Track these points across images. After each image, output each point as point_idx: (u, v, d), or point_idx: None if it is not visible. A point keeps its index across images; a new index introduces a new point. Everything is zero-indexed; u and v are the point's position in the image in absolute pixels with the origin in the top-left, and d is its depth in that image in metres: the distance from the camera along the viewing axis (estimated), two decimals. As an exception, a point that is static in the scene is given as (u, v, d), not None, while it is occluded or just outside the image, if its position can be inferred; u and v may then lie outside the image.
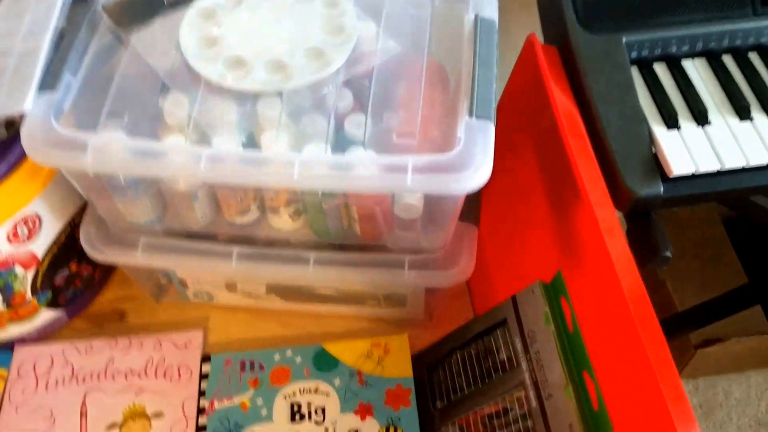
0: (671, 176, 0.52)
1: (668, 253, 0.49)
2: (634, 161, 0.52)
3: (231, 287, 0.69)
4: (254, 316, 0.72)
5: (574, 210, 0.53)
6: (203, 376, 0.66)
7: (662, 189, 0.52)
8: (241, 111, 0.53)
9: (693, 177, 0.53)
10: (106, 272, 0.74)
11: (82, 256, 0.66)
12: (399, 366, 0.67)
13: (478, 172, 0.47)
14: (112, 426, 0.63)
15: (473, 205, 0.61)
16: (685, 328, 1.02)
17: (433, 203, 0.55)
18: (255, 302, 0.71)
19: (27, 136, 0.50)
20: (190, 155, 0.49)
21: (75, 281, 0.68)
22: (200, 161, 0.49)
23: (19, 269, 0.61)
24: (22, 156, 0.56)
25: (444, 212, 0.56)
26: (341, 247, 0.62)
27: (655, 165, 0.53)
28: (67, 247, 0.64)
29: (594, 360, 0.50)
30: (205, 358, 0.68)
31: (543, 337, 0.54)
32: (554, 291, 0.55)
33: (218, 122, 0.53)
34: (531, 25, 0.66)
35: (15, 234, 0.58)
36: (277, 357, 0.68)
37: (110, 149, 0.49)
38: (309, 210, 0.59)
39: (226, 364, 0.67)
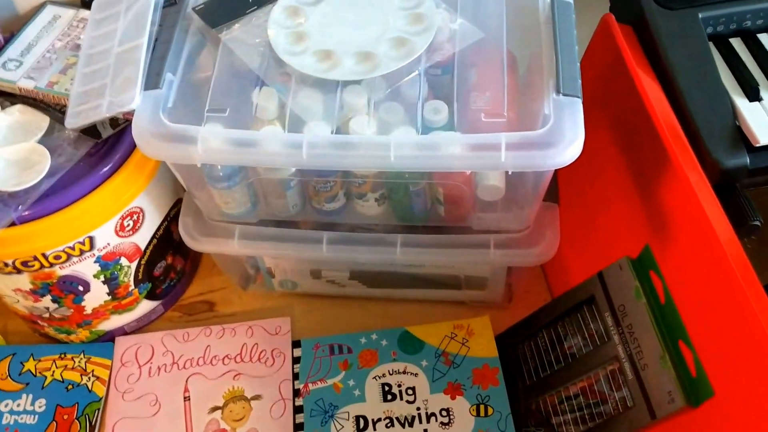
0: (756, 146, 0.53)
1: (758, 222, 0.50)
2: (719, 134, 0.53)
3: (316, 274, 0.72)
4: (335, 303, 0.75)
5: (665, 185, 0.54)
6: (295, 361, 0.69)
7: (748, 160, 0.52)
8: (331, 100, 0.55)
9: (779, 147, 0.53)
10: (195, 265, 0.77)
11: (177, 249, 0.70)
12: (484, 346, 0.69)
13: (570, 147, 0.49)
14: (214, 409, 0.66)
15: (553, 184, 0.62)
16: None
17: (517, 183, 0.56)
18: (338, 289, 0.74)
19: (138, 131, 0.53)
20: (290, 143, 0.52)
21: (170, 273, 0.72)
22: (301, 147, 0.51)
23: (124, 261, 0.64)
24: (128, 153, 0.59)
25: (529, 191, 0.58)
26: (424, 230, 0.64)
27: (740, 137, 0.54)
28: (165, 240, 0.68)
29: (690, 329, 0.51)
30: (295, 344, 0.70)
31: (635, 311, 0.56)
32: (643, 265, 0.56)
33: (311, 112, 0.55)
34: (599, 6, 0.67)
35: (122, 227, 0.62)
36: (363, 340, 0.70)
37: (216, 141, 0.52)
38: (394, 194, 0.61)
39: (316, 348, 0.70)
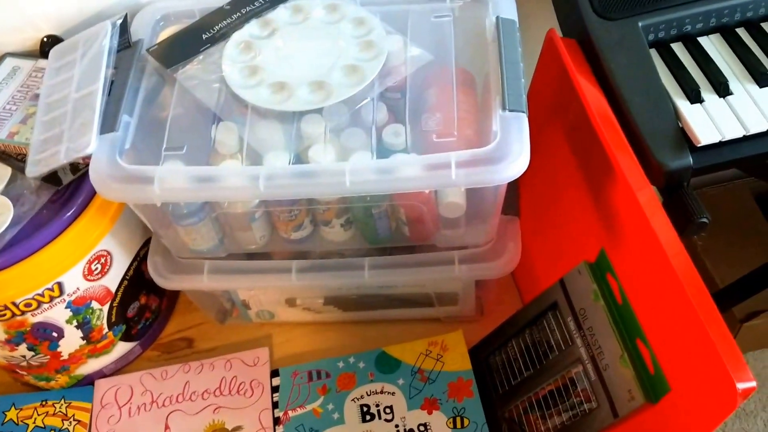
0: (699, 146, 0.55)
1: (704, 219, 0.52)
2: (662, 137, 0.55)
3: (291, 303, 0.73)
4: (314, 330, 0.75)
5: (612, 191, 0.56)
6: (274, 390, 0.70)
7: (692, 160, 0.54)
8: (288, 130, 0.57)
9: (720, 145, 0.55)
10: (171, 303, 0.78)
11: (149, 288, 0.71)
12: (458, 360, 0.70)
13: (517, 160, 0.50)
14: (195, 442, 0.67)
15: (513, 197, 0.64)
16: (728, 303, 1.03)
17: (476, 199, 0.58)
18: (314, 316, 0.75)
19: (95, 175, 0.54)
20: (248, 175, 0.53)
21: (145, 313, 0.72)
22: (258, 179, 0.52)
23: (95, 304, 0.65)
24: (90, 197, 0.60)
25: (487, 206, 0.59)
26: (392, 251, 0.65)
27: (683, 138, 0.56)
28: (136, 280, 0.69)
29: (645, 328, 0.52)
30: (274, 373, 0.71)
31: (594, 313, 0.57)
32: (600, 269, 0.58)
33: (268, 143, 0.57)
34: (548, 20, 0.69)
35: (90, 271, 0.62)
36: (341, 364, 0.71)
37: (174, 179, 0.53)
38: (359, 218, 0.62)
39: (294, 376, 0.70)
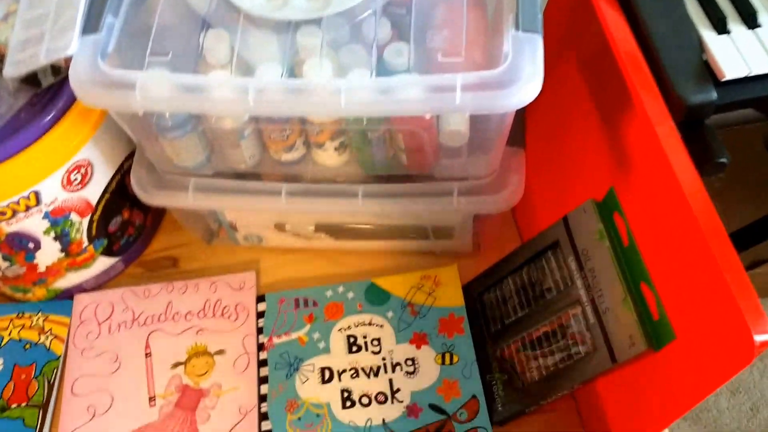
0: (723, 80, 0.51)
1: (724, 159, 0.48)
2: (684, 69, 0.51)
3: (280, 228, 0.70)
4: (304, 257, 0.73)
5: (628, 124, 0.52)
6: (259, 315, 0.68)
7: (715, 95, 0.50)
8: (282, 41, 0.53)
9: (745, 80, 0.51)
10: (156, 220, 0.75)
11: (133, 203, 0.68)
12: (450, 296, 0.67)
13: (528, 85, 0.47)
14: (176, 365, 0.65)
15: (519, 128, 0.60)
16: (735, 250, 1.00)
17: (480, 127, 0.54)
18: (304, 242, 0.72)
19: (75, 78, 0.50)
20: (236, 88, 0.49)
21: (128, 228, 0.70)
22: (247, 93, 0.49)
23: (74, 216, 0.62)
24: (71, 102, 0.56)
25: (492, 136, 0.56)
26: (388, 179, 0.62)
27: (707, 71, 0.52)
28: (119, 194, 0.66)
29: (652, 271, 0.50)
30: (260, 298, 0.69)
31: (598, 254, 0.54)
32: (607, 208, 0.55)
33: (260, 54, 0.53)
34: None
35: (69, 181, 0.59)
36: (329, 293, 0.69)
37: (158, 86, 0.49)
38: (354, 142, 0.59)
39: (281, 302, 0.68)
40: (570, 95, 0.63)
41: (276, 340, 0.66)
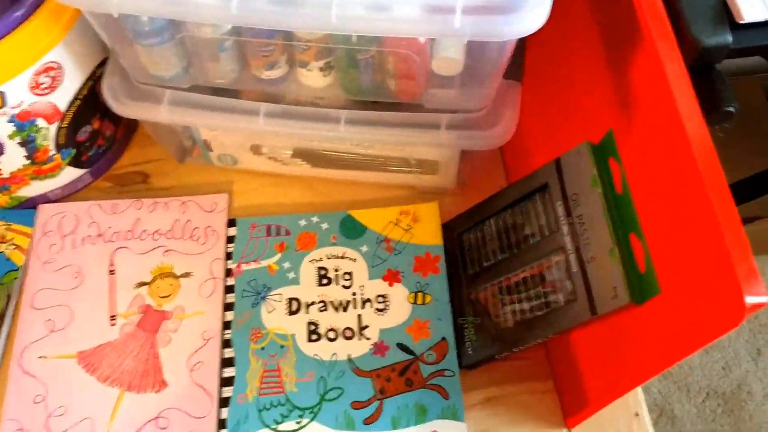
0: (741, 23, 0.48)
1: (732, 108, 0.46)
2: (702, 9, 0.48)
3: (256, 150, 0.67)
4: (280, 182, 0.70)
5: (634, 62, 0.49)
6: (229, 240, 0.65)
7: (731, 38, 0.47)
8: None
9: (763, 25, 0.49)
10: (128, 132, 0.71)
11: (105, 113, 0.64)
12: (428, 233, 0.65)
13: (535, 12, 0.43)
14: (140, 285, 0.62)
15: (517, 59, 0.57)
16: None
17: (477, 55, 0.51)
18: (280, 167, 0.69)
19: (43, -33, 0.46)
20: (218, -9, 0.45)
21: (98, 139, 0.66)
22: (231, 1, 0.45)
23: (41, 122, 0.59)
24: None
25: (489, 66, 0.53)
26: (373, 106, 0.59)
27: (724, 12, 0.49)
28: (90, 102, 0.62)
29: (643, 222, 0.47)
30: (231, 223, 0.66)
31: (588, 200, 0.52)
32: (603, 151, 0.52)
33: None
34: None
35: (37, 84, 0.55)
36: (303, 222, 0.66)
37: (133, -18, 0.45)
38: (341, 64, 0.55)
39: (252, 228, 0.66)
40: (574, 27, 0.59)
41: (245, 267, 0.63)
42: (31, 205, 0.66)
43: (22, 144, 0.59)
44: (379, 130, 0.58)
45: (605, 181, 0.51)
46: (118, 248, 0.64)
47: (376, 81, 0.56)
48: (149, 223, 0.65)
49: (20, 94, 0.55)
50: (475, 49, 0.50)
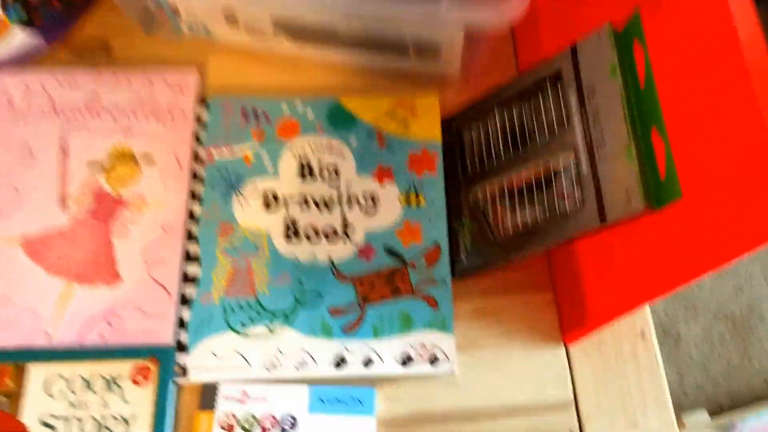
0: None
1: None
2: None
3: (231, 19, 0.58)
4: (259, 61, 0.62)
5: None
6: (198, 122, 0.58)
7: None
8: None
9: None
10: (88, -3, 0.63)
11: (55, -34, 0.55)
12: (426, 128, 0.58)
13: None
14: (95, 167, 0.55)
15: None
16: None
17: None
18: (259, 43, 0.61)
19: None
20: None
21: (52, 0, 0.58)
22: None
23: (-26, -31, 0.50)
24: None
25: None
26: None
27: None
28: (36, -49, 0.53)
29: (667, 118, 0.40)
30: (202, 103, 0.59)
31: (606, 91, 0.44)
32: (626, 37, 0.44)
33: None
34: None
35: None
36: (284, 107, 0.58)
37: None
38: None
39: (227, 109, 0.58)
40: None
41: (216, 154, 0.56)
42: (-24, 73, 0.59)
43: (-40, -1, 0.51)
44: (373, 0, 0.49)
45: (627, 71, 0.43)
46: (73, 125, 0.57)
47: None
48: (108, 99, 0.58)
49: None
50: None
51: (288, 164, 0.56)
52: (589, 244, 0.48)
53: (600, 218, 0.43)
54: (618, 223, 0.42)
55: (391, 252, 0.54)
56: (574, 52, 0.47)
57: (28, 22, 0.57)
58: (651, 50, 0.42)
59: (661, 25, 0.41)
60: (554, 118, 0.48)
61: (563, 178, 0.46)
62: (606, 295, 0.47)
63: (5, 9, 0.55)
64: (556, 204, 0.47)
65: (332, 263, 0.53)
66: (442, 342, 0.51)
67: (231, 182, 0.56)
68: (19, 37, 0.58)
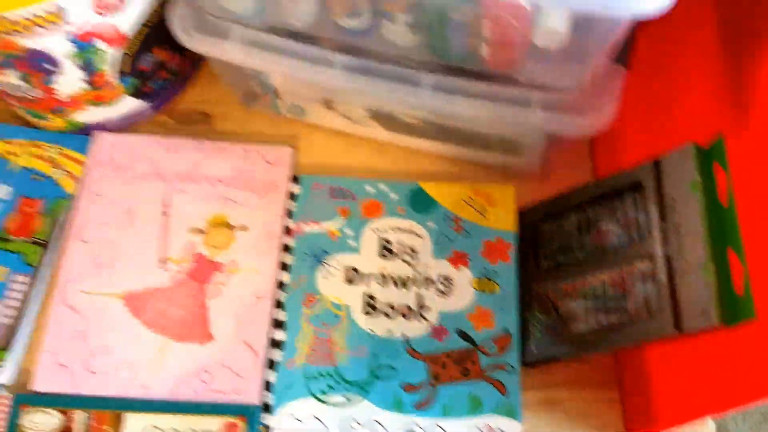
0: None
1: None
2: None
3: (328, 104, 0.62)
4: (348, 142, 0.66)
5: (754, 62, 0.43)
6: (290, 197, 0.61)
7: None
8: None
9: None
10: (194, 67, 0.68)
11: (173, 44, 0.60)
12: (502, 218, 0.60)
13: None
14: (194, 231, 0.59)
15: (626, 43, 0.51)
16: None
17: (582, 31, 0.46)
18: (352, 126, 0.65)
19: None
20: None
21: (161, 71, 0.63)
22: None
23: (101, 44, 0.55)
24: None
25: (593, 44, 0.47)
26: (461, 74, 0.53)
27: None
28: (157, 31, 0.58)
29: (745, 239, 0.42)
30: (294, 179, 0.62)
31: (686, 208, 0.47)
32: (709, 157, 0.46)
33: None
34: None
35: (101, 3, 0.52)
36: (369, 188, 0.62)
37: None
38: (431, 22, 0.50)
39: (316, 187, 0.62)
40: (691, 18, 0.53)
41: (305, 228, 0.60)
42: (87, 132, 0.64)
43: (81, 66, 0.56)
44: (465, 101, 0.53)
45: (708, 188, 0.45)
46: (175, 190, 0.61)
47: (468, 45, 0.51)
48: (209, 168, 0.62)
49: (82, 14, 0.52)
50: (582, 24, 0.45)
51: (370, 242, 0.60)
52: (660, 348, 0.50)
53: (676, 327, 0.45)
54: (691, 334, 0.44)
55: (463, 335, 0.56)
56: (656, 165, 0.50)
57: (138, 90, 0.62)
58: (732, 170, 0.44)
59: (742, 146, 0.44)
60: (632, 226, 0.50)
61: (639, 285, 0.48)
62: (674, 400, 0.48)
63: (120, 78, 0.59)
64: (631, 309, 0.49)
65: (407, 340, 0.56)
66: (510, 427, 0.53)
67: (316, 254, 0.59)
68: (130, 103, 0.63)
